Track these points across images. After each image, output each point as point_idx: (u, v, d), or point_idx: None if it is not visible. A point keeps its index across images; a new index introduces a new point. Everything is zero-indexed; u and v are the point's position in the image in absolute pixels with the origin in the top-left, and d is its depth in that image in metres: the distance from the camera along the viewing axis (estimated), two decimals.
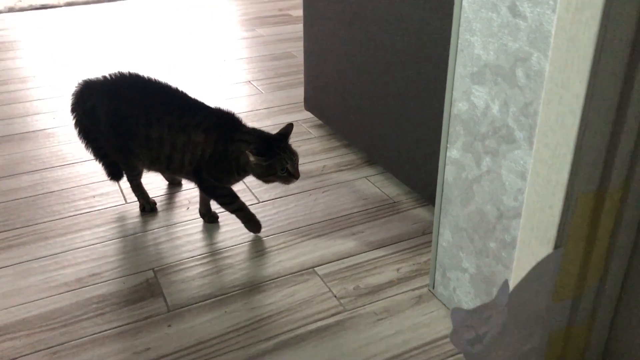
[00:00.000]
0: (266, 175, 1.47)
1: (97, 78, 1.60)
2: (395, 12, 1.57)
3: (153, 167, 1.60)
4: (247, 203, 1.64)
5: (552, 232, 0.92)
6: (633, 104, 0.84)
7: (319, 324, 1.26)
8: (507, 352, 0.99)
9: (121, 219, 1.68)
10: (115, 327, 1.29)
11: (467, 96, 1.06)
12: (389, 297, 1.35)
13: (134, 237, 1.60)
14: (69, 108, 1.65)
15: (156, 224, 1.65)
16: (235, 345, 1.22)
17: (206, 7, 3.90)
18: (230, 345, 1.22)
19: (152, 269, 1.48)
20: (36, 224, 1.65)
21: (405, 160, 1.69)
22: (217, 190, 1.55)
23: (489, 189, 1.06)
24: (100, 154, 1.69)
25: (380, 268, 1.47)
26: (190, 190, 1.80)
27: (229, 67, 2.85)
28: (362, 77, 1.81)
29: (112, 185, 1.82)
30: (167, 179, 1.83)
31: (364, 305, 1.32)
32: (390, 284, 1.41)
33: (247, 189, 1.81)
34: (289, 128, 1.48)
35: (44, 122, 2.26)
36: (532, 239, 0.97)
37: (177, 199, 1.77)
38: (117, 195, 1.78)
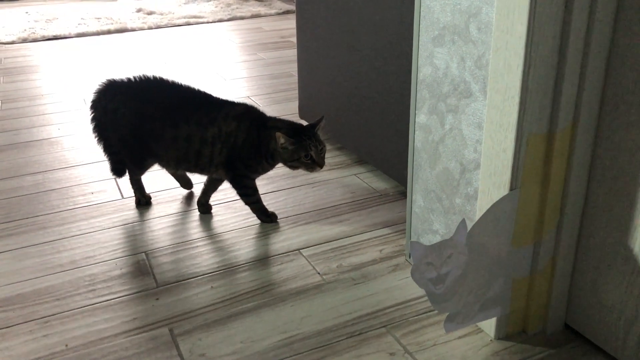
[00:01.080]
0: (291, 160, 1.51)
1: (121, 79, 1.65)
2: (377, 15, 1.66)
3: (180, 166, 1.64)
4: (237, 198, 1.72)
5: (507, 176, 0.98)
6: (572, 45, 0.90)
7: (299, 289, 1.30)
8: (471, 298, 1.03)
9: (117, 211, 1.74)
10: (105, 300, 1.34)
11: (430, 60, 1.13)
12: (368, 268, 1.39)
13: (128, 226, 1.66)
14: (89, 104, 1.69)
15: (150, 215, 1.72)
16: (217, 313, 1.26)
17: (209, 35, 4.06)
18: (213, 312, 1.26)
19: (144, 252, 1.53)
20: (36, 216, 1.72)
21: (392, 155, 1.75)
22: (244, 180, 1.60)
23: (452, 147, 1.12)
24: (110, 150, 1.73)
25: (364, 249, 1.51)
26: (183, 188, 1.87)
27: (230, 85, 2.96)
28: (349, 81, 1.89)
29: (110, 183, 1.89)
30: (181, 183, 1.85)
31: (343, 272, 1.36)
32: (373, 262, 1.45)
33: None
34: (320, 119, 1.53)
35: (49, 132, 2.36)
36: (490, 186, 1.02)
37: (171, 194, 1.84)
38: (114, 191, 1.85)
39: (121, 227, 1.65)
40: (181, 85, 1.63)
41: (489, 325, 1.11)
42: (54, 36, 3.92)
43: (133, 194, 1.78)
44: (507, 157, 0.96)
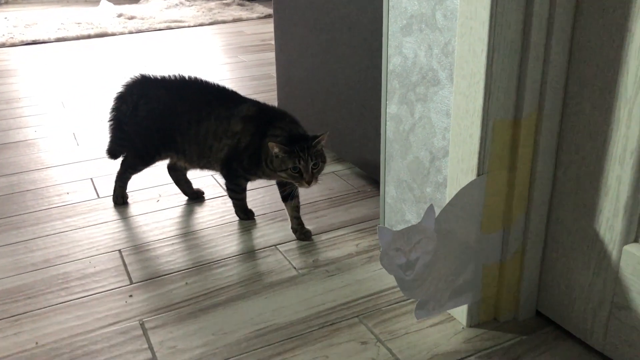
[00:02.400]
0: (279, 170, 1.44)
1: (154, 75, 1.66)
2: (352, 13, 1.67)
3: (201, 161, 1.61)
4: (214, 195, 1.74)
5: (474, 161, 0.98)
6: (536, 30, 0.91)
7: (274, 283, 1.30)
8: (441, 284, 1.03)
9: (92, 210, 1.73)
10: (78, 298, 1.33)
11: (400, 50, 1.13)
12: (344, 261, 1.39)
13: (103, 225, 1.64)
14: (117, 94, 1.67)
15: (126, 214, 1.70)
16: (190, 307, 1.25)
17: (191, 39, 4.05)
18: (186, 307, 1.25)
19: (119, 250, 1.52)
20: (9, 216, 1.70)
21: (369, 152, 1.76)
22: (239, 179, 1.57)
23: (422, 135, 1.12)
24: (116, 134, 1.71)
25: (340, 244, 1.51)
26: (161, 185, 1.86)
27: None
28: (326, 79, 1.90)
29: (86, 183, 1.88)
30: (187, 193, 1.81)
31: (319, 267, 1.36)
32: (349, 256, 1.45)
33: (218, 184, 1.87)
34: (323, 134, 1.43)
35: (25, 135, 2.34)
36: (458, 173, 1.02)
37: (148, 193, 1.83)
38: (90, 191, 1.84)
39: (96, 226, 1.64)
40: (212, 83, 1.63)
41: (461, 313, 1.11)
42: (33, 41, 3.89)
43: (112, 191, 1.76)
44: (474, 142, 0.97)
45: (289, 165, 1.41)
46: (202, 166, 1.64)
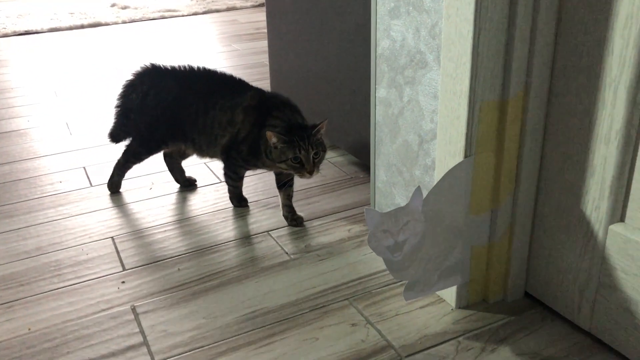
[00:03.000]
0: (279, 161, 1.41)
1: (164, 65, 1.64)
2: None
3: (210, 151, 1.60)
4: (207, 182, 1.74)
5: (461, 143, 0.98)
6: (522, 10, 0.91)
7: (265, 268, 1.30)
8: (430, 266, 1.04)
9: (85, 198, 1.73)
10: (70, 285, 1.33)
11: (388, 33, 1.13)
12: (335, 246, 1.40)
13: (96, 213, 1.65)
14: (126, 82, 1.66)
15: (120, 201, 1.70)
16: (181, 293, 1.26)
17: (184, 29, 4.04)
18: (178, 293, 1.26)
19: (112, 237, 1.52)
20: (2, 205, 1.70)
21: (361, 138, 1.76)
22: (235, 167, 1.56)
23: (410, 119, 1.13)
24: (121, 120, 1.69)
25: (332, 230, 1.52)
26: (154, 173, 1.86)
27: None
28: (319, 65, 1.89)
29: (79, 172, 1.88)
30: (179, 180, 1.80)
31: (311, 252, 1.37)
32: (341, 241, 1.45)
33: (209, 170, 1.87)
34: (322, 122, 1.42)
35: (17, 124, 2.33)
36: (446, 155, 1.02)
37: (140, 181, 1.83)
38: (83, 180, 1.84)
39: (89, 214, 1.64)
40: (219, 73, 1.61)
41: (450, 295, 1.12)
42: (26, 31, 3.88)
43: (108, 179, 1.75)
44: (461, 124, 0.97)
45: (289, 156, 1.38)
46: (212, 155, 1.62)
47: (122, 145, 1.74)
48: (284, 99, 1.54)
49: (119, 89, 1.69)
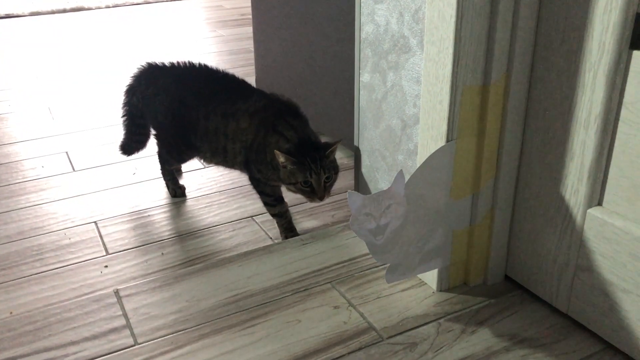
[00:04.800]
0: (288, 182, 1.29)
1: (163, 63, 1.53)
2: None
3: (214, 159, 1.47)
4: (191, 168, 1.70)
5: (443, 128, 0.99)
6: None
7: (248, 252, 1.31)
8: (411, 249, 1.05)
9: (68, 183, 1.72)
10: (53, 269, 1.33)
11: (372, 17, 1.13)
12: (319, 231, 1.40)
13: (79, 198, 1.64)
14: (126, 87, 1.57)
15: (102, 186, 1.69)
16: (165, 277, 1.25)
17: (169, 14, 4.00)
18: (161, 277, 1.25)
19: (95, 221, 1.52)
20: None
21: (346, 125, 1.76)
22: (260, 185, 1.40)
23: (393, 103, 1.13)
24: (130, 129, 1.60)
25: (317, 215, 1.52)
26: (137, 159, 1.85)
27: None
28: (304, 51, 1.89)
29: (61, 157, 1.87)
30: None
31: (294, 236, 1.38)
32: (325, 226, 1.46)
33: None
34: (336, 142, 1.29)
35: None
36: (428, 140, 1.03)
37: (123, 166, 1.81)
38: (66, 165, 1.83)
39: (71, 199, 1.63)
40: (221, 72, 1.49)
41: (431, 278, 1.13)
42: (6, 15, 3.81)
43: (166, 187, 1.65)
44: (443, 109, 0.98)
45: (298, 179, 1.26)
46: (218, 163, 1.49)
47: (115, 142, 1.65)
48: (295, 105, 1.40)
49: (116, 87, 1.57)
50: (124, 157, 1.66)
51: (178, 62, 1.51)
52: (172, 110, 1.47)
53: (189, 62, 1.51)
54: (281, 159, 1.25)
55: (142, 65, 1.56)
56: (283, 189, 1.40)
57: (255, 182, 1.40)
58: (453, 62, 0.94)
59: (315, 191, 1.26)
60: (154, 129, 1.56)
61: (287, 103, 1.39)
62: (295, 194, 1.34)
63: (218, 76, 1.48)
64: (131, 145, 1.62)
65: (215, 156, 1.45)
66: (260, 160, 1.34)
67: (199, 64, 1.50)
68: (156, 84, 1.51)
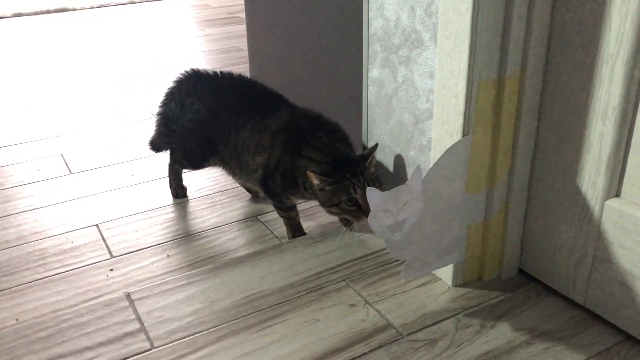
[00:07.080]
0: (329, 205, 1.17)
1: (206, 72, 1.50)
2: None
3: (243, 175, 1.43)
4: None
5: (459, 122, 0.99)
6: None
7: (258, 251, 1.29)
8: (428, 244, 1.04)
9: (65, 186, 1.69)
10: (57, 274, 1.30)
11: (381, 12, 1.13)
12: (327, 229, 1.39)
13: (78, 200, 1.61)
14: (167, 90, 1.54)
15: (101, 189, 1.67)
16: (174, 279, 1.23)
17: (155, 14, 3.95)
18: (170, 279, 1.24)
19: (96, 224, 1.49)
20: None
21: (346, 122, 1.75)
22: (277, 196, 1.34)
23: (405, 99, 1.12)
24: (161, 130, 1.56)
25: (324, 213, 1.50)
26: (135, 161, 1.82)
27: (177, 61, 2.89)
28: (301, 47, 1.87)
29: (57, 160, 1.83)
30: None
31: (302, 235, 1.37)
32: (333, 224, 1.45)
33: None
34: (373, 149, 1.17)
35: None
36: (443, 134, 1.03)
37: (121, 167, 1.79)
38: (62, 167, 1.79)
39: (71, 202, 1.60)
40: (256, 85, 1.46)
41: (446, 273, 1.13)
42: None
43: (168, 185, 1.63)
44: (459, 103, 0.97)
45: (341, 198, 1.14)
46: (247, 180, 1.44)
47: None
48: (318, 118, 1.32)
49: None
50: (152, 152, 1.62)
51: (219, 73, 1.48)
52: (204, 119, 1.44)
53: (228, 73, 1.47)
54: (315, 181, 1.16)
55: (186, 71, 1.52)
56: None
57: (273, 195, 1.35)
58: (469, 56, 0.94)
59: (362, 208, 1.13)
60: (180, 130, 1.52)
61: (312, 115, 1.33)
62: (338, 216, 1.23)
63: (254, 90, 1.45)
64: (159, 143, 1.60)
65: (244, 173, 1.40)
66: (288, 182, 1.27)
67: (238, 76, 1.48)
68: (195, 93, 1.48)
